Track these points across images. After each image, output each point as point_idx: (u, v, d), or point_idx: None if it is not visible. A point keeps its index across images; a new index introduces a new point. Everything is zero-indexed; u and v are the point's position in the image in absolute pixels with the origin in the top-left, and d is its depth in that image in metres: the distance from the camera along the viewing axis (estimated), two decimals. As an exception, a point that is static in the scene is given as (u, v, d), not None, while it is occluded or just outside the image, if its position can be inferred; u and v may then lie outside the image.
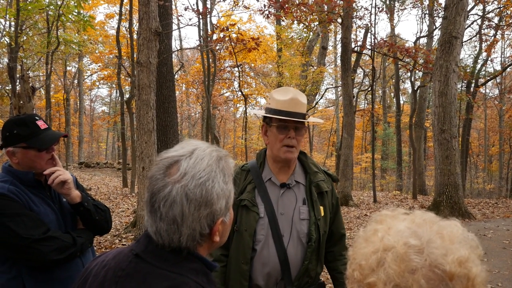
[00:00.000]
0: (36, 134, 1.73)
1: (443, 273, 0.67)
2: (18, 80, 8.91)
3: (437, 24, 18.15)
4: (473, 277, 0.68)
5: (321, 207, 1.81)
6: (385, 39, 14.62)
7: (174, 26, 13.75)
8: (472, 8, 17.24)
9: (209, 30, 14.41)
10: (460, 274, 0.67)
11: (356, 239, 0.79)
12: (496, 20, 18.04)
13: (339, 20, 12.56)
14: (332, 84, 28.67)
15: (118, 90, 19.91)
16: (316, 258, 1.79)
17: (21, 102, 7.58)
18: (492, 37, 19.00)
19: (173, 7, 13.26)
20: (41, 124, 1.77)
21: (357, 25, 15.73)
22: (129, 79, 15.67)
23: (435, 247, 0.69)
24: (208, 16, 14.66)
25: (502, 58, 24.61)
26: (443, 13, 10.47)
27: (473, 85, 19.68)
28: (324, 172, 1.91)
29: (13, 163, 1.75)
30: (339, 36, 22.95)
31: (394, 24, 22.11)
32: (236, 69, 18.96)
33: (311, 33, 19.35)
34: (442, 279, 0.66)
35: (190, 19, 30.88)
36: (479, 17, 18.37)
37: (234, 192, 1.59)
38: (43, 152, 1.75)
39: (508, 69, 19.84)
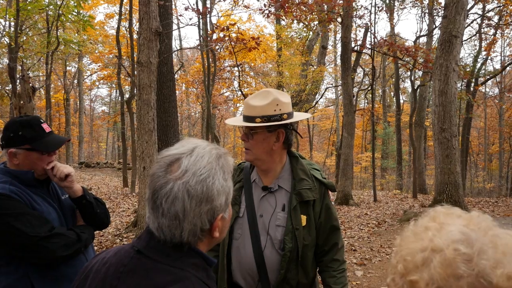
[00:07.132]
0: (41, 137, 1.74)
1: (488, 285, 0.65)
2: (18, 80, 8.92)
3: (437, 23, 18.14)
4: None
5: (304, 217, 1.73)
6: (385, 38, 14.60)
7: (174, 26, 13.75)
8: (472, 7, 17.24)
9: (209, 30, 14.40)
10: None
11: (406, 230, 0.77)
12: (496, 19, 18.04)
13: (339, 19, 12.56)
14: (332, 84, 28.67)
15: (118, 90, 19.91)
16: (296, 267, 1.72)
17: (22, 102, 7.59)
18: (492, 36, 19.00)
19: (173, 6, 13.26)
20: (45, 127, 1.78)
21: (357, 24, 15.74)
22: (129, 79, 15.67)
23: (485, 258, 0.66)
24: (208, 15, 14.67)
25: (502, 57, 24.65)
26: (442, 12, 10.47)
27: (473, 84, 19.66)
28: (316, 179, 1.81)
29: (12, 164, 1.74)
30: (339, 36, 22.94)
31: (394, 23, 22.13)
32: (236, 68, 18.96)
33: (311, 33, 19.33)
34: None
35: (190, 19, 31.03)
36: (479, 16, 18.36)
37: None
38: (45, 155, 1.76)
39: (508, 68, 19.86)
